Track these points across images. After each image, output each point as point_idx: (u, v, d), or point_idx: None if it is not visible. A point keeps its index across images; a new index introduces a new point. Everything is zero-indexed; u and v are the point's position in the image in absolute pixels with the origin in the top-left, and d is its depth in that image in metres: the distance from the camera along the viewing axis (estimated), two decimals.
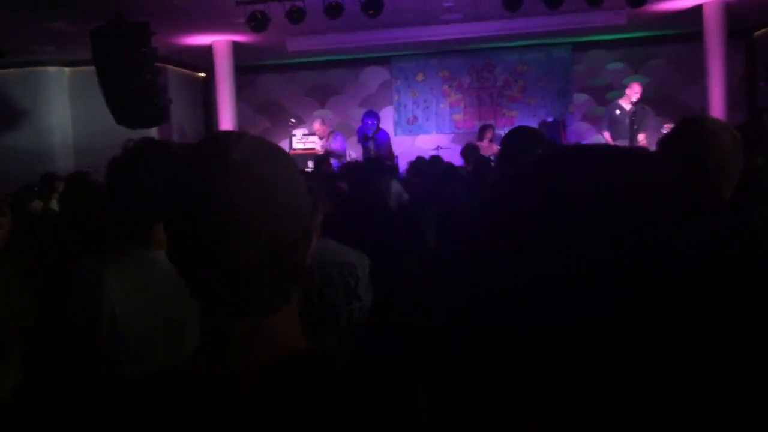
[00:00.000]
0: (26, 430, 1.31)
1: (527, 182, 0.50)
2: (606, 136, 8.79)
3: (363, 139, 9.31)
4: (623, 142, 8.65)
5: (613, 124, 8.83)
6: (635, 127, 8.81)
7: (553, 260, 0.44)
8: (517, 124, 12.45)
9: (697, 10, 9.99)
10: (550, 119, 11.47)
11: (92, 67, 8.84)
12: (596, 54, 12.62)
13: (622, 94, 10.46)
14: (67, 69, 11.87)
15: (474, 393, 0.47)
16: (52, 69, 11.75)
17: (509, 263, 0.46)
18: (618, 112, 8.85)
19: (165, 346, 1.72)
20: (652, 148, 8.42)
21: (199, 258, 0.85)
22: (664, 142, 1.97)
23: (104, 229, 2.48)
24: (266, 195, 0.84)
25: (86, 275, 1.78)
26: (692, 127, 1.86)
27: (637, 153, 0.51)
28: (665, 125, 9.05)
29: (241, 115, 11.77)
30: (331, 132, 9.82)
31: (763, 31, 11.58)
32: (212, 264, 0.84)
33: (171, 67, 12.01)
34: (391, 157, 9.39)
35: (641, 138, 8.86)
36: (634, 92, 8.79)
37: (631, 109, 8.79)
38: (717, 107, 10.01)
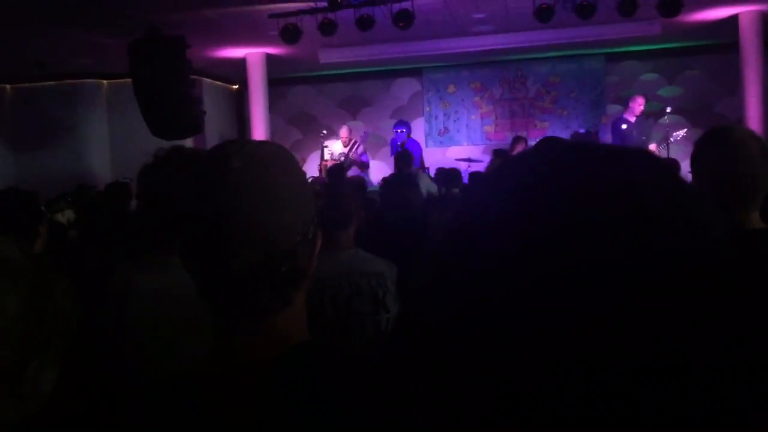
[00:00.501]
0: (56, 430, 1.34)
1: (529, 177, 0.51)
2: None
3: (396, 149, 9.36)
4: None
5: (622, 140, 8.78)
6: (644, 138, 8.81)
7: (553, 259, 0.45)
8: (549, 135, 12.36)
9: (734, 20, 9.85)
10: (582, 130, 11.38)
11: (129, 80, 9.03)
12: (629, 65, 12.50)
13: (659, 107, 10.34)
14: (105, 82, 12.12)
15: (474, 392, 0.48)
16: (89, 82, 12.01)
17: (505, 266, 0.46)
18: (624, 126, 8.85)
19: (188, 350, 1.74)
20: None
21: (200, 260, 0.89)
22: (694, 151, 1.96)
23: (135, 235, 2.53)
24: (264, 200, 0.87)
25: (117, 281, 1.82)
26: (721, 137, 1.84)
27: (636, 152, 0.51)
28: (674, 133, 8.95)
29: (273, 126, 11.89)
30: (355, 142, 9.85)
31: None
32: (212, 266, 0.88)
33: (205, 79, 12.21)
34: (422, 168, 9.39)
35: (653, 148, 8.83)
36: (638, 105, 8.80)
37: (636, 122, 8.75)
38: (754, 118, 9.84)
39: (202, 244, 0.88)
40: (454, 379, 0.48)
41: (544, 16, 8.51)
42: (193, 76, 9.45)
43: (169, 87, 8.75)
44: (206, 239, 0.87)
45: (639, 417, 0.43)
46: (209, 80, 12.51)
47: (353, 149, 9.70)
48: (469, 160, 10.23)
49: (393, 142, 9.72)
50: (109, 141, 12.20)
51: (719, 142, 1.82)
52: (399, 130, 9.55)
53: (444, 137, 13.13)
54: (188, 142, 10.41)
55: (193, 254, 0.91)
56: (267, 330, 0.92)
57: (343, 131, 10.07)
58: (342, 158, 9.64)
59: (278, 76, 12.08)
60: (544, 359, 0.44)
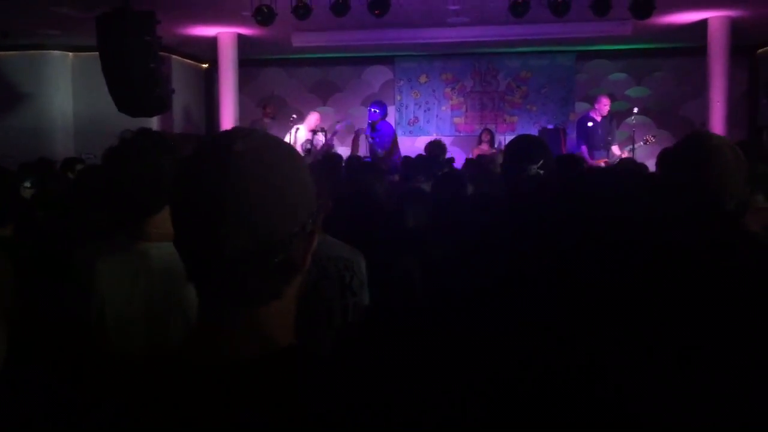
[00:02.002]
0: (18, 413, 1.32)
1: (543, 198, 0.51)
2: (584, 150, 8.82)
3: (369, 129, 9.29)
4: (600, 155, 8.88)
5: (587, 137, 8.93)
6: (609, 138, 9.00)
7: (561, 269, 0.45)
8: (517, 129, 12.48)
9: (703, 24, 10.01)
10: (551, 126, 11.49)
11: (96, 54, 8.84)
12: (599, 64, 12.64)
13: (627, 106, 10.54)
14: (70, 54, 11.85)
15: (463, 392, 0.48)
16: (56, 53, 11.74)
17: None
18: (590, 124, 9.00)
19: (150, 336, 1.73)
20: (624, 156, 8.58)
21: (193, 240, 0.88)
22: (667, 156, 1.99)
23: (98, 218, 2.49)
24: (262, 187, 0.87)
25: (79, 265, 1.79)
26: (696, 143, 1.87)
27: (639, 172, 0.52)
28: (645, 137, 9.13)
29: (242, 107, 11.76)
30: (317, 131, 9.75)
31: (766, 48, 11.61)
32: (204, 247, 0.87)
33: (175, 56, 12.01)
34: (394, 152, 9.33)
35: (615, 149, 9.07)
36: (603, 105, 8.99)
37: (601, 121, 8.91)
38: (717, 122, 10.04)
39: (196, 224, 0.87)
40: (444, 377, 0.49)
41: (518, 11, 8.55)
42: (162, 53, 9.28)
43: (136, 63, 8.58)
44: (201, 219, 0.87)
45: (637, 418, 0.44)
46: (179, 58, 12.30)
47: (315, 138, 9.61)
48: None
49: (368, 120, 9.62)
50: (72, 114, 11.95)
51: (695, 147, 1.85)
52: (373, 110, 9.42)
53: (414, 127, 13.15)
54: (155, 120, 10.26)
55: (186, 234, 0.90)
56: (252, 323, 0.91)
57: (314, 118, 9.95)
58: (305, 144, 9.54)
59: (249, 57, 11.94)
60: (541, 357, 0.45)
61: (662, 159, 1.99)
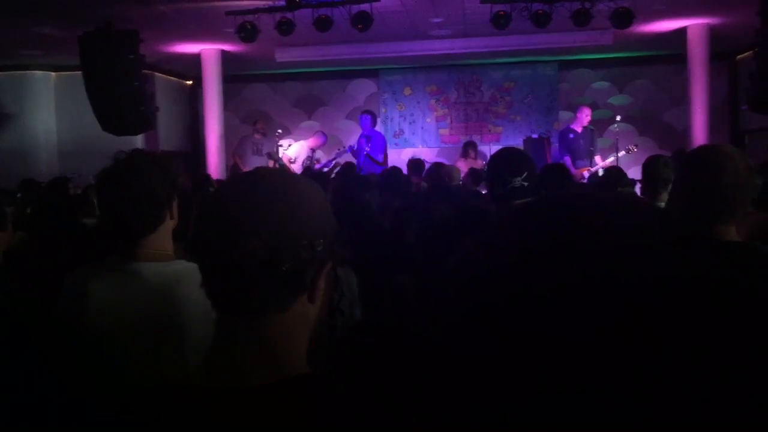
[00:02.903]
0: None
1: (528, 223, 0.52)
2: (567, 161, 8.88)
3: (365, 140, 9.41)
4: (584, 164, 8.99)
5: (570, 149, 9.03)
6: (591, 149, 9.12)
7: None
8: (502, 140, 12.55)
9: (682, 32, 10.14)
10: (535, 136, 11.56)
11: (79, 73, 8.82)
12: (582, 73, 12.76)
13: (609, 114, 10.64)
14: (53, 74, 11.80)
15: (466, 411, 0.49)
16: (38, 73, 11.68)
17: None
18: (572, 136, 9.11)
19: (142, 358, 1.72)
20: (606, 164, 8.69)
21: (207, 243, 0.96)
22: (681, 168, 2.03)
23: (90, 239, 2.47)
24: (276, 200, 0.95)
25: (72, 287, 1.78)
26: (708, 155, 1.90)
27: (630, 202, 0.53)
28: (628, 147, 9.20)
29: (227, 124, 11.76)
30: (315, 150, 9.97)
31: (745, 54, 11.75)
32: (217, 250, 0.94)
33: (158, 74, 11.99)
34: (384, 161, 9.45)
35: (598, 160, 9.15)
36: (585, 115, 9.11)
37: (582, 131, 9.00)
38: (699, 129, 10.15)
39: (211, 228, 0.96)
40: (447, 400, 0.50)
41: (500, 22, 8.63)
42: (146, 71, 9.28)
43: (120, 81, 8.58)
44: (220, 225, 0.94)
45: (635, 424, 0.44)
46: (163, 75, 12.29)
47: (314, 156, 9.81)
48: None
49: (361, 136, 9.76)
50: (56, 134, 11.88)
51: (707, 159, 1.89)
52: (364, 118, 9.60)
53: (399, 139, 13.19)
54: (139, 139, 10.23)
55: (201, 237, 0.97)
56: (261, 339, 0.94)
57: (319, 139, 10.08)
58: (306, 162, 9.64)
59: (234, 73, 11.96)
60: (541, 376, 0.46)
61: (677, 173, 2.04)
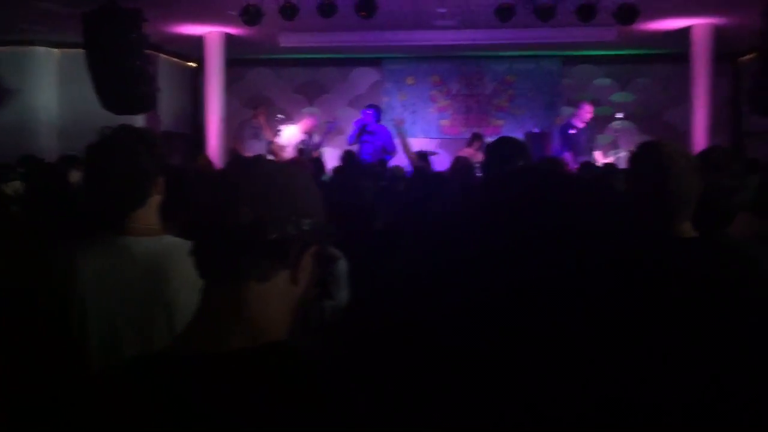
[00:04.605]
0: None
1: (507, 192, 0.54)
2: (567, 156, 8.89)
3: (362, 132, 9.34)
4: (583, 159, 8.92)
5: (570, 144, 9.03)
6: (590, 144, 9.16)
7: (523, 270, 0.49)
8: (503, 133, 12.51)
9: (686, 31, 10.12)
10: (537, 130, 11.55)
11: (82, 50, 8.79)
12: (585, 69, 12.73)
13: (611, 111, 10.64)
14: (56, 50, 11.75)
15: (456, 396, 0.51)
16: (41, 49, 11.63)
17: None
18: (572, 131, 9.10)
19: (132, 332, 1.74)
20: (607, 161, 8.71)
21: (204, 212, 1.02)
22: (629, 169, 2.05)
23: (79, 214, 2.49)
24: (271, 182, 1.02)
25: (59, 261, 1.79)
26: (651, 152, 1.92)
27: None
28: (630, 149, 9.21)
29: (229, 107, 11.74)
30: (312, 134, 9.96)
31: (749, 56, 11.73)
32: (212, 217, 1.00)
33: (161, 55, 11.96)
34: (393, 152, 9.38)
35: (598, 155, 9.21)
36: (585, 112, 9.10)
37: (583, 128, 9.01)
38: (700, 129, 10.15)
39: (209, 198, 1.03)
40: (440, 384, 0.51)
41: (504, 15, 8.62)
42: (149, 51, 9.25)
43: (123, 61, 8.55)
44: (215, 194, 1.02)
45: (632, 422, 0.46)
46: (165, 56, 12.25)
47: (310, 140, 9.80)
48: (428, 152, 10.27)
49: (357, 124, 9.65)
50: (57, 111, 11.85)
51: (650, 157, 1.91)
52: (368, 112, 9.51)
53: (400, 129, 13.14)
54: (140, 119, 10.21)
55: (200, 206, 1.04)
56: (239, 302, 0.99)
57: (309, 122, 10.09)
58: (299, 145, 9.64)
59: (236, 57, 11.93)
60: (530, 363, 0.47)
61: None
